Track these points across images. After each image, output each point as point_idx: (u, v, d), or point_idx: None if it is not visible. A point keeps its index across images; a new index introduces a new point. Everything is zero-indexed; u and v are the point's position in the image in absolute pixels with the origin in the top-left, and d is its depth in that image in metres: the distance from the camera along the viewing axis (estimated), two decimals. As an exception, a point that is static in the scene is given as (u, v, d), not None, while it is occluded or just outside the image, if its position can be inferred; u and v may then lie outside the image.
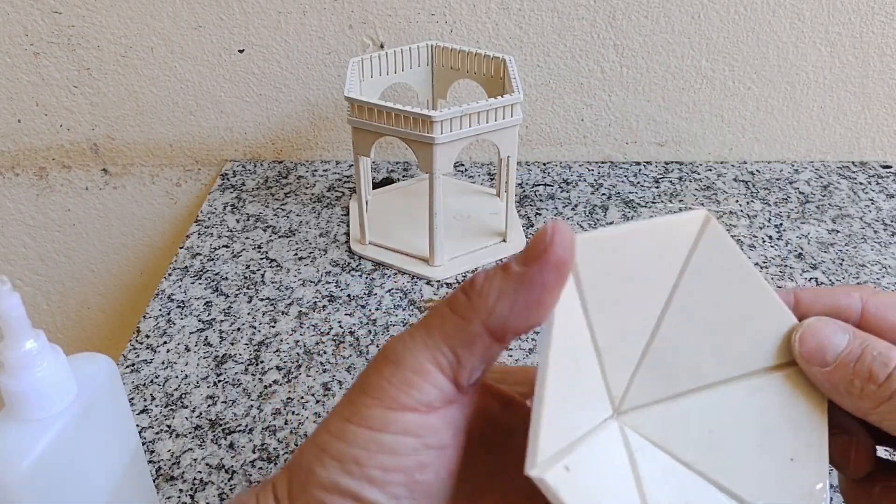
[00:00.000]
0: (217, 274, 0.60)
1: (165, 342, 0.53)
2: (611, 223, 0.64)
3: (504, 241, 0.61)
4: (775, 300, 0.26)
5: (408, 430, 0.23)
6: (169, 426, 0.47)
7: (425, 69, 0.63)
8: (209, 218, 0.67)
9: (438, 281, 0.58)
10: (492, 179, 0.71)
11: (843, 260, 0.60)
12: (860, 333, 0.27)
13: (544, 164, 0.73)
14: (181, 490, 0.43)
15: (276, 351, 0.52)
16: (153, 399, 0.49)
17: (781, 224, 0.64)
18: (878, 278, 0.58)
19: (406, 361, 0.24)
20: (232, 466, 0.44)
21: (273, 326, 0.54)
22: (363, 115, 0.54)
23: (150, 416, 0.48)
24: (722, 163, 0.73)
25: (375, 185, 0.70)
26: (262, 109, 0.72)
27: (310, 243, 0.63)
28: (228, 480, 0.43)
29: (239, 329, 0.54)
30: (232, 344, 0.53)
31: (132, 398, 0.49)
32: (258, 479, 0.44)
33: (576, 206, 0.66)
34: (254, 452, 0.45)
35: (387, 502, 0.23)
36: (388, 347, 0.24)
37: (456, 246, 0.60)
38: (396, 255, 0.60)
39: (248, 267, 0.60)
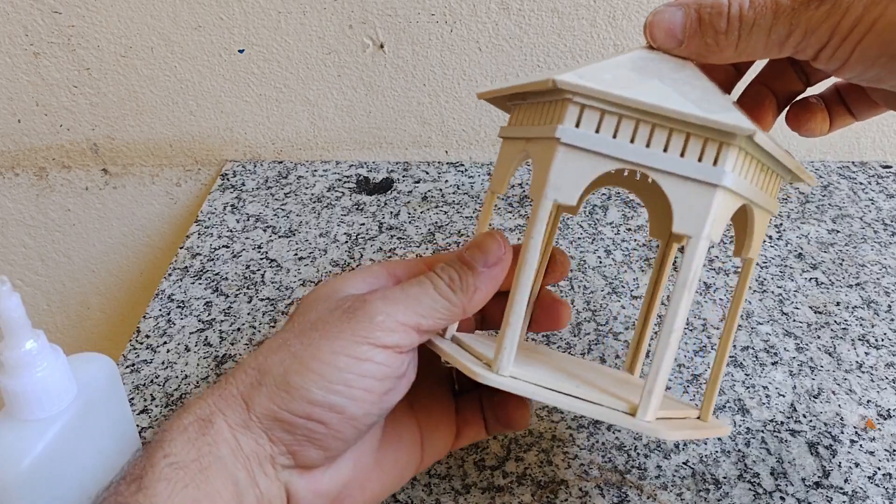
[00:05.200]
0: (217, 274, 0.60)
1: (165, 342, 0.53)
2: (610, 223, 0.64)
3: (632, 414, 0.31)
4: None
5: (387, 363, 0.32)
6: (169, 426, 0.47)
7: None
8: (209, 218, 0.67)
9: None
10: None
11: (843, 260, 0.60)
12: (689, 1, 0.32)
13: (544, 164, 0.73)
14: None
15: (276, 351, 0.52)
16: (153, 399, 0.49)
17: (781, 224, 0.64)
18: (878, 278, 0.58)
19: (396, 316, 0.32)
20: (232, 466, 0.44)
21: (273, 326, 0.54)
22: (515, 116, 0.36)
23: (150, 416, 0.48)
24: (722, 163, 0.73)
25: (374, 187, 0.70)
26: (262, 109, 0.72)
27: (310, 243, 0.63)
28: (228, 480, 0.43)
29: (239, 329, 0.54)
30: (232, 344, 0.53)
31: (132, 398, 0.49)
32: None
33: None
34: (254, 452, 0.45)
35: (361, 415, 0.32)
36: (372, 303, 0.32)
37: (545, 369, 0.35)
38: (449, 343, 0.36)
39: (248, 267, 0.60)
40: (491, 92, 0.36)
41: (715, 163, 0.29)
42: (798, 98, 0.38)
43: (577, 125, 0.30)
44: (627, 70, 0.31)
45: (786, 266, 0.59)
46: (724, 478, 0.43)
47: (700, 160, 0.29)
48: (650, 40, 0.33)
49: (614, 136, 0.30)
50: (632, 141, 0.30)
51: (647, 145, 0.30)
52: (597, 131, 0.30)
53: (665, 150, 0.29)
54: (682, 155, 0.29)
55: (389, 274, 0.37)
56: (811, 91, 0.39)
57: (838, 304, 0.55)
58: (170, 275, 0.60)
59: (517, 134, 0.34)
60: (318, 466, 0.33)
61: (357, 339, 0.31)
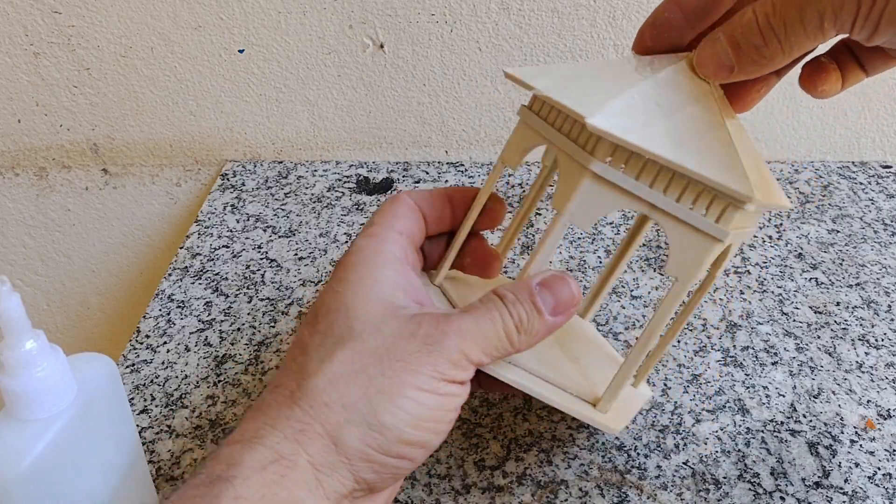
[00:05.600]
0: (217, 274, 0.60)
1: (165, 342, 0.53)
2: (610, 223, 0.64)
3: (594, 405, 0.38)
4: None
5: (460, 394, 0.33)
6: (169, 426, 0.47)
7: None
8: (209, 218, 0.67)
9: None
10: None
11: (843, 260, 0.60)
12: (719, 30, 0.33)
13: (544, 164, 0.73)
14: (181, 490, 0.43)
15: (277, 351, 0.52)
16: (153, 399, 0.49)
17: (781, 224, 0.64)
18: (878, 278, 0.58)
19: (470, 355, 0.33)
20: (232, 466, 0.44)
21: (273, 326, 0.54)
22: (539, 104, 0.36)
23: (150, 416, 0.48)
24: (722, 163, 0.73)
25: (374, 187, 0.70)
26: (262, 109, 0.72)
27: (310, 243, 0.63)
28: (228, 480, 0.43)
29: (239, 329, 0.54)
30: (232, 344, 0.53)
31: (132, 398, 0.49)
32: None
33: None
34: (254, 452, 0.45)
35: (439, 444, 0.33)
36: (450, 336, 0.32)
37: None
38: None
39: (248, 267, 0.60)
40: (520, 81, 0.35)
41: (718, 220, 0.32)
42: (809, 59, 0.37)
43: (609, 160, 0.32)
44: (653, 105, 0.32)
45: (786, 266, 0.59)
46: (724, 478, 0.43)
47: (705, 214, 0.32)
48: (705, 78, 0.34)
49: (637, 178, 0.32)
50: (651, 185, 0.32)
51: (665, 192, 0.32)
52: (620, 165, 0.32)
53: (678, 200, 0.32)
54: (691, 207, 0.32)
55: (405, 262, 0.36)
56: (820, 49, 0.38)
57: (838, 304, 0.55)
58: (170, 275, 0.60)
59: (544, 132, 0.35)
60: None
61: (436, 376, 0.31)
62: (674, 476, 0.43)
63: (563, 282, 0.35)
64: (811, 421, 0.47)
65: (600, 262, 0.59)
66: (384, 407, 0.31)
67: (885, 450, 0.45)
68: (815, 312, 0.55)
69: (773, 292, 0.56)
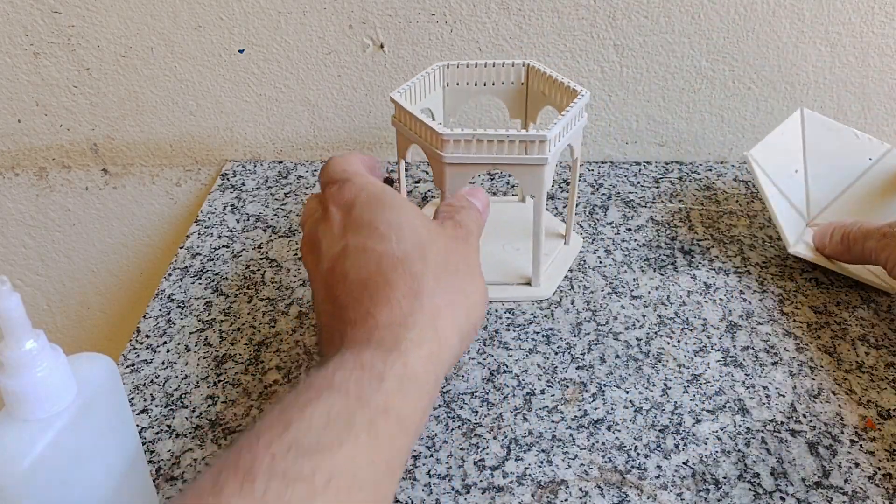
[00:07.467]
0: (217, 274, 0.60)
1: (165, 342, 0.53)
2: (610, 223, 0.64)
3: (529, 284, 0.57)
4: None
5: None
6: (169, 426, 0.47)
7: (519, 88, 0.59)
8: (209, 218, 0.67)
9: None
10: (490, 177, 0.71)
11: (843, 260, 0.60)
12: (837, 231, 0.56)
13: (544, 164, 0.73)
14: (181, 490, 0.43)
15: (276, 351, 0.52)
16: (153, 399, 0.49)
17: (781, 224, 0.64)
18: (878, 278, 0.58)
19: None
20: (232, 466, 0.44)
21: (273, 326, 0.54)
22: (401, 117, 0.53)
23: (150, 416, 0.48)
24: (722, 163, 0.73)
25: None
26: (262, 109, 0.72)
27: (310, 243, 0.62)
28: (228, 480, 0.43)
29: (239, 329, 0.54)
30: (232, 344, 0.53)
31: (132, 398, 0.49)
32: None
33: (576, 205, 0.66)
34: (254, 452, 0.45)
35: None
36: (470, 236, 0.44)
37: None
38: None
39: (248, 267, 0.60)
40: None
41: (539, 152, 0.49)
42: None
43: (452, 151, 0.49)
44: None
45: (786, 266, 0.59)
46: (724, 478, 0.43)
47: (527, 153, 0.49)
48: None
49: (475, 152, 0.49)
50: (488, 152, 0.49)
51: (498, 151, 0.49)
52: (461, 151, 0.49)
53: (508, 152, 0.49)
54: (522, 153, 0.49)
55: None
56: None
57: (838, 304, 0.55)
58: (170, 275, 0.60)
59: (410, 135, 0.53)
60: None
61: (478, 261, 0.43)
62: (674, 476, 0.43)
63: (479, 189, 0.47)
64: (811, 421, 0.47)
65: (600, 262, 0.59)
66: (474, 287, 0.41)
67: (885, 450, 0.45)
68: (815, 312, 0.55)
69: (772, 292, 0.56)
